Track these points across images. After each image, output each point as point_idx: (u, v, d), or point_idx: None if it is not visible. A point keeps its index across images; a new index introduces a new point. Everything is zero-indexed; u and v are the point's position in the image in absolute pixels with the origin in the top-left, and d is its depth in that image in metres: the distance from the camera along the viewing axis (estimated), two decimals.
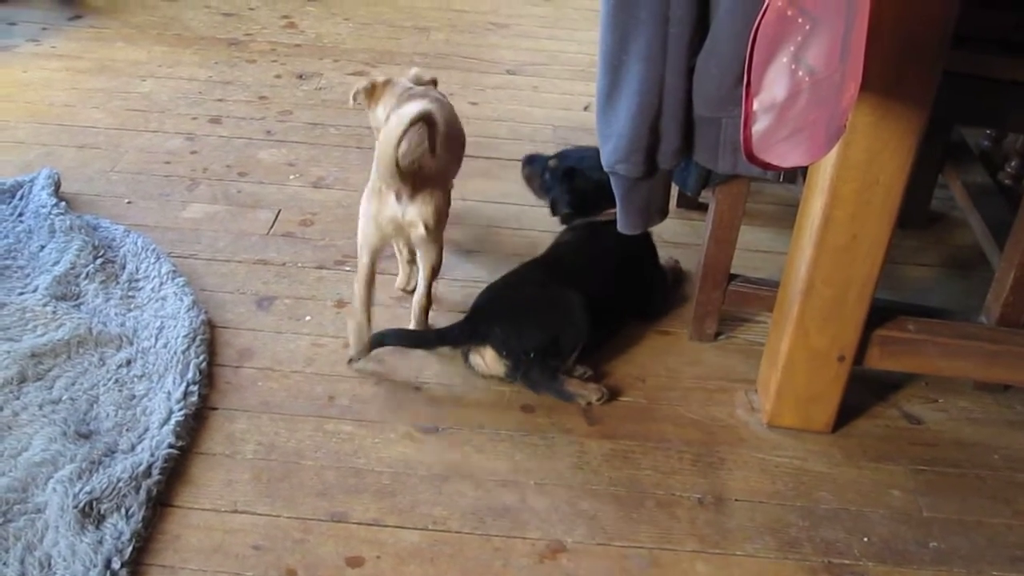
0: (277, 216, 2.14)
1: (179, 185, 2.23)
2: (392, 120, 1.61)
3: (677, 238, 2.12)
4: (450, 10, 3.32)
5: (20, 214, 2.06)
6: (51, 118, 2.46)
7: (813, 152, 1.21)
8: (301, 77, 2.75)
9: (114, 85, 2.64)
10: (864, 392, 1.73)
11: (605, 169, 1.66)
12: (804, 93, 1.17)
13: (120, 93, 2.60)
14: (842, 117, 1.16)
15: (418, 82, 1.93)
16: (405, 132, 1.59)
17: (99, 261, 1.91)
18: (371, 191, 1.71)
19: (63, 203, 2.04)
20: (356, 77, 2.74)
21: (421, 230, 1.70)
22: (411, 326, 1.81)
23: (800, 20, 1.15)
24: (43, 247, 1.95)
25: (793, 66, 1.17)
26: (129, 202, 2.16)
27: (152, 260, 1.92)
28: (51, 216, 2.00)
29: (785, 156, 1.21)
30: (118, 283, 1.88)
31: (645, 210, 1.71)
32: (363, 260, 1.74)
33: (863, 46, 1.10)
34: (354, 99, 1.93)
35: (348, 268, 1.98)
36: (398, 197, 1.68)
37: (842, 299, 1.54)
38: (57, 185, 2.12)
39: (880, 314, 1.61)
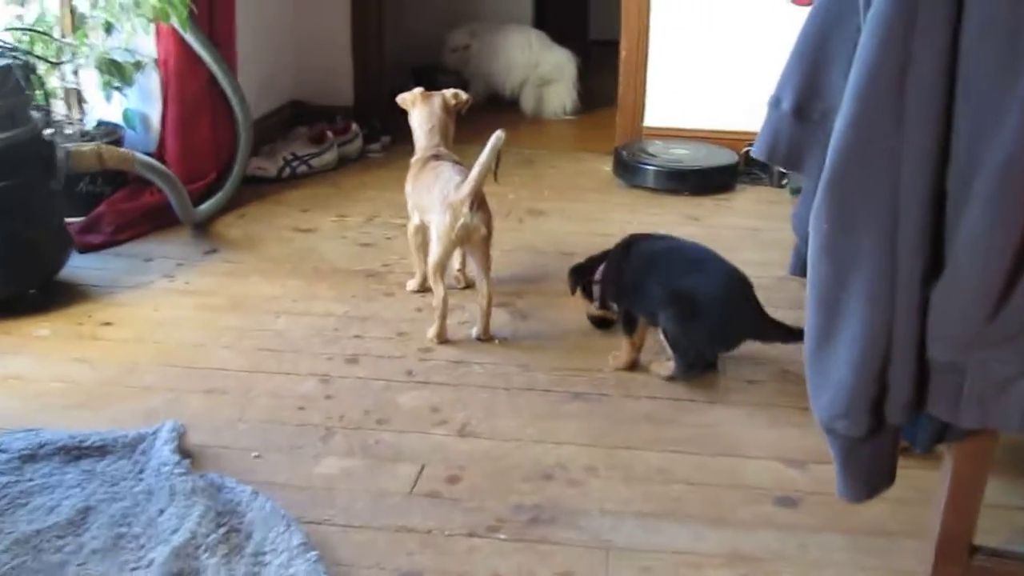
0: (420, 472, 1.90)
1: (312, 435, 2.01)
2: (490, 143, 2.25)
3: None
4: (595, 234, 3.13)
5: (141, 471, 1.86)
6: (180, 360, 2.31)
7: None
8: None
9: (247, 323, 2.49)
10: None
11: (821, 426, 1.38)
12: None
13: (253, 331, 2.44)
14: None
15: (452, 100, 2.65)
16: (494, 155, 2.27)
17: (222, 531, 1.67)
18: (443, 210, 2.32)
19: (186, 461, 1.84)
20: (502, 310, 2.54)
21: (484, 232, 2.32)
22: (479, 326, 2.41)
23: None
24: (162, 511, 1.74)
25: None
26: (257, 456, 1.95)
27: (281, 529, 1.68)
28: (172, 476, 1.79)
29: None
30: (242, 556, 1.64)
31: (870, 474, 1.41)
32: (441, 269, 2.37)
33: None
34: (400, 103, 2.65)
35: (503, 536, 1.71)
36: (470, 208, 2.28)
37: None
38: (181, 439, 1.93)
39: None
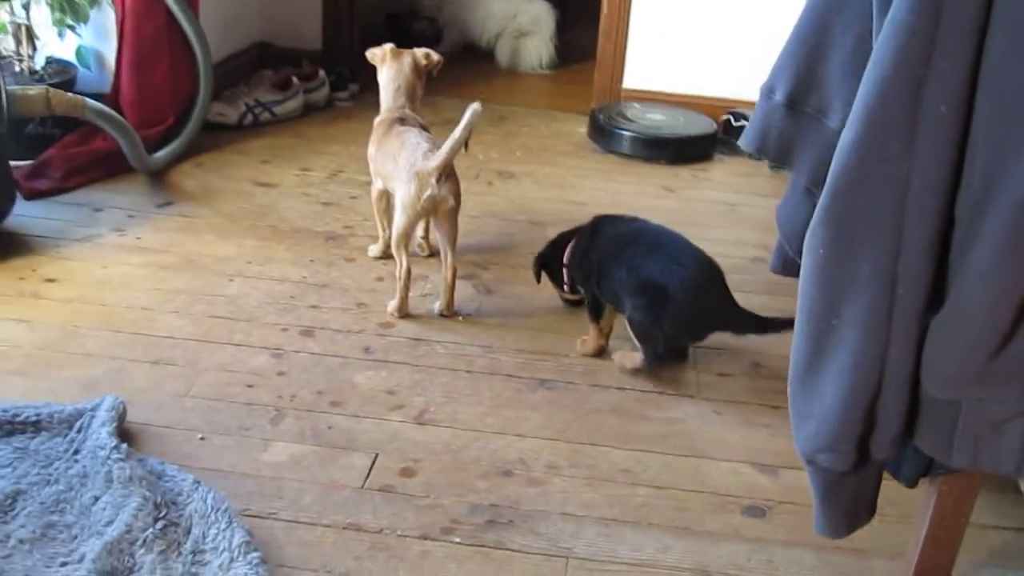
0: (374, 462, 1.81)
1: (262, 416, 1.91)
2: (465, 118, 2.12)
3: None
4: (567, 202, 3.04)
5: (76, 451, 1.75)
6: (126, 325, 2.19)
7: None
8: None
9: (198, 286, 2.37)
10: None
11: (802, 458, 1.29)
12: None
13: (204, 296, 2.32)
14: None
15: (423, 60, 2.53)
16: (470, 127, 2.13)
17: (160, 524, 1.58)
18: (412, 176, 2.19)
19: (124, 445, 1.72)
20: (466, 282, 2.44)
21: (451, 203, 2.22)
22: (442, 301, 2.31)
23: None
24: (97, 499, 1.64)
25: None
26: (203, 438, 1.84)
27: (223, 525, 1.58)
28: (109, 461, 1.68)
29: None
30: (180, 554, 1.54)
31: (851, 509, 1.33)
32: (405, 239, 2.25)
33: None
34: (370, 59, 2.54)
35: (457, 540, 1.63)
36: (438, 180, 2.18)
37: None
38: (121, 417, 1.82)
39: None
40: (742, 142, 1.64)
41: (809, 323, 1.23)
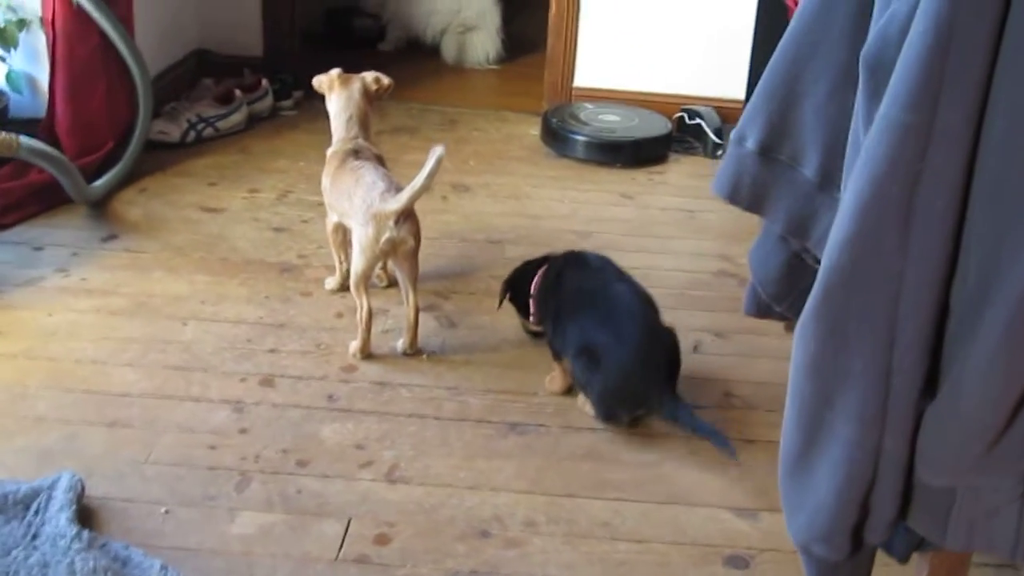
0: (347, 529, 1.75)
1: (227, 482, 1.85)
2: (431, 163, 2.04)
3: None
4: (525, 216, 2.98)
5: (35, 536, 1.68)
6: (77, 381, 2.10)
7: None
8: None
9: (151, 332, 2.28)
10: None
11: (796, 546, 1.27)
12: None
13: (158, 343, 2.24)
14: None
15: (373, 86, 2.41)
16: (434, 174, 2.05)
17: None
18: (369, 219, 2.12)
19: (86, 532, 1.65)
20: (428, 314, 2.38)
21: (411, 244, 2.16)
22: (405, 339, 2.25)
23: None
24: None
25: None
26: (167, 511, 1.77)
27: None
28: (71, 551, 1.61)
29: None
30: None
31: None
32: (365, 280, 2.18)
33: None
34: (316, 87, 2.44)
35: None
36: (396, 222, 2.11)
37: None
38: (79, 496, 1.74)
39: None
40: (714, 188, 1.59)
41: (800, 414, 1.19)
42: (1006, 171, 1.02)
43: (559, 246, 2.68)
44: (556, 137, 3.40)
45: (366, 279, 2.19)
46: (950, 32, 0.98)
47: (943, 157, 1.03)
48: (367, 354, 2.23)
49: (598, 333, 2.00)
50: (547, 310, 2.14)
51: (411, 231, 2.16)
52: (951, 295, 1.10)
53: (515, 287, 2.26)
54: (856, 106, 1.19)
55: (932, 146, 1.02)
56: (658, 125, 3.48)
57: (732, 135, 1.52)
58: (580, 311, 2.05)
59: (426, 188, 2.07)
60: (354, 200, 2.16)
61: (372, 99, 2.41)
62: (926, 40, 0.99)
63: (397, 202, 2.09)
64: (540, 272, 2.22)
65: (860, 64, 1.12)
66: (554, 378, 2.14)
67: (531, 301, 2.22)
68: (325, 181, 2.35)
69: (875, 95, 1.08)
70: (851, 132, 1.26)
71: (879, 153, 1.05)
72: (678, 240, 2.88)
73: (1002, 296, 1.04)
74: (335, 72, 2.42)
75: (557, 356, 2.12)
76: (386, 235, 2.11)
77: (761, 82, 1.44)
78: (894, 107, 1.02)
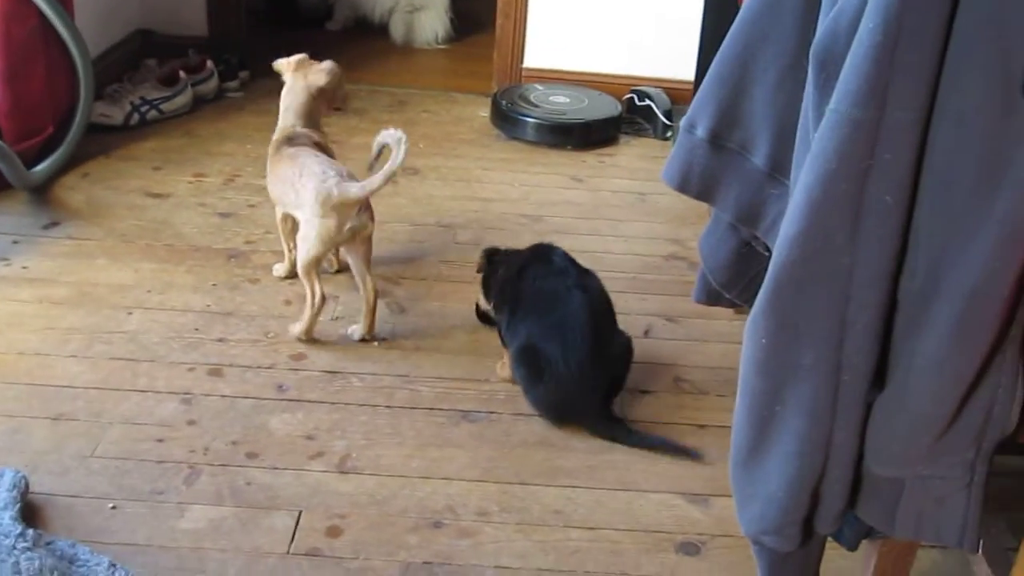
0: (298, 521, 1.74)
1: (175, 476, 1.82)
2: (400, 155, 2.05)
3: None
4: (475, 199, 2.97)
5: None
6: (20, 374, 2.06)
7: None
8: None
9: (95, 321, 2.24)
10: None
11: (748, 537, 1.28)
12: None
13: (102, 334, 2.20)
14: None
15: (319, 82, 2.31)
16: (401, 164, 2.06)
17: None
18: (329, 210, 2.08)
19: (31, 532, 1.62)
20: (380, 301, 2.34)
21: (371, 228, 2.17)
22: (362, 324, 2.23)
23: None
24: None
25: None
26: (114, 506, 1.75)
27: None
28: (15, 551, 1.58)
29: None
30: None
31: None
32: (317, 266, 2.17)
33: None
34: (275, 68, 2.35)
35: None
36: (359, 209, 2.12)
37: None
38: (23, 494, 1.71)
39: None
40: (665, 177, 1.59)
41: (751, 409, 1.20)
42: (953, 167, 1.03)
43: (511, 230, 2.70)
44: (506, 119, 3.38)
45: (318, 264, 2.16)
46: (898, 28, 0.98)
47: (892, 153, 1.03)
48: (310, 338, 2.21)
49: (546, 341, 1.98)
50: (504, 300, 2.12)
51: (369, 215, 2.15)
52: (899, 290, 1.11)
53: (491, 261, 2.23)
54: (805, 99, 1.19)
55: (881, 142, 1.03)
56: (608, 107, 3.47)
57: (682, 123, 1.52)
58: (535, 311, 2.03)
59: (391, 176, 2.05)
60: (303, 192, 2.12)
61: (319, 98, 2.34)
62: (875, 36, 0.99)
63: (362, 190, 2.07)
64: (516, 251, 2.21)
65: (810, 58, 1.12)
66: (504, 364, 2.13)
67: (493, 286, 2.20)
68: (268, 173, 2.31)
69: (824, 89, 1.08)
70: (800, 124, 1.26)
71: (828, 148, 1.05)
72: (629, 223, 2.88)
73: (949, 291, 1.05)
74: (296, 58, 2.35)
75: (507, 345, 2.11)
76: (349, 224, 2.09)
77: (711, 70, 1.44)
78: (843, 103, 1.02)
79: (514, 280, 2.10)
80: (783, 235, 1.10)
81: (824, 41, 1.09)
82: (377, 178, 2.06)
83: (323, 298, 2.17)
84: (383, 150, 2.15)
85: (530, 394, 2.02)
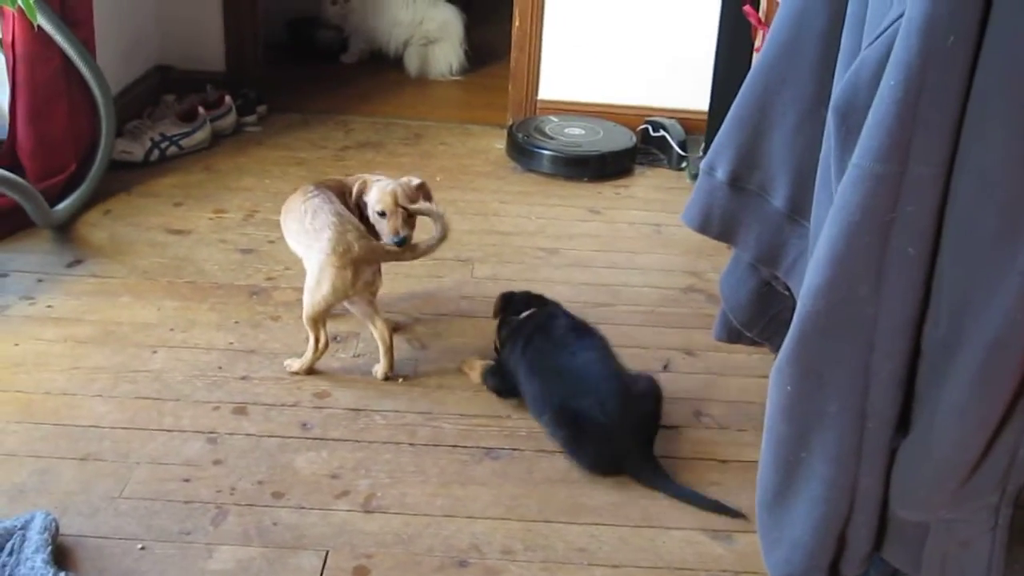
0: (325, 562, 1.75)
1: (202, 516, 1.84)
2: (439, 233, 2.19)
3: None
4: (493, 232, 2.99)
5: None
6: (47, 414, 2.08)
7: None
8: (336, 339, 2.38)
9: (120, 361, 2.27)
10: None
11: None
12: None
13: (127, 373, 2.23)
14: None
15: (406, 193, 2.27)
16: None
17: None
18: (344, 265, 2.10)
19: (63, 574, 1.64)
20: (400, 337, 2.37)
21: (379, 283, 2.27)
22: (382, 364, 2.25)
23: None
24: None
25: None
26: (143, 547, 1.76)
27: None
28: None
29: None
30: None
31: None
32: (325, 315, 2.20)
33: None
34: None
35: None
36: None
37: None
38: (54, 536, 1.73)
39: None
40: (684, 219, 1.61)
41: (777, 454, 1.22)
42: (975, 219, 1.04)
43: (528, 263, 2.72)
44: (522, 151, 3.41)
45: (327, 314, 2.19)
46: (920, 86, 1.00)
47: (915, 206, 1.05)
48: (308, 372, 2.25)
49: (575, 399, 2.00)
50: (512, 359, 2.15)
51: (379, 271, 2.22)
52: (923, 339, 1.13)
53: (507, 307, 2.26)
54: (825, 149, 1.21)
55: (903, 196, 1.05)
56: (623, 138, 3.50)
57: (702, 165, 1.54)
58: (554, 379, 2.06)
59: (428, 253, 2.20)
60: (319, 241, 2.14)
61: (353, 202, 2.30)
62: (897, 93, 1.01)
63: (392, 255, 2.18)
64: (526, 314, 2.22)
65: (830, 112, 1.14)
66: (472, 366, 2.23)
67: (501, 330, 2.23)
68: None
69: (846, 142, 1.10)
70: (819, 171, 1.28)
71: (852, 202, 1.07)
72: (646, 255, 2.90)
73: (972, 341, 1.07)
74: (388, 185, 2.28)
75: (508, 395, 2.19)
76: (364, 278, 2.14)
77: (730, 114, 1.46)
78: (866, 158, 1.05)
79: (526, 340, 2.13)
80: (807, 286, 1.12)
81: (845, 95, 1.11)
82: (419, 249, 2.20)
83: (327, 344, 2.22)
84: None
85: (578, 455, 2.01)
